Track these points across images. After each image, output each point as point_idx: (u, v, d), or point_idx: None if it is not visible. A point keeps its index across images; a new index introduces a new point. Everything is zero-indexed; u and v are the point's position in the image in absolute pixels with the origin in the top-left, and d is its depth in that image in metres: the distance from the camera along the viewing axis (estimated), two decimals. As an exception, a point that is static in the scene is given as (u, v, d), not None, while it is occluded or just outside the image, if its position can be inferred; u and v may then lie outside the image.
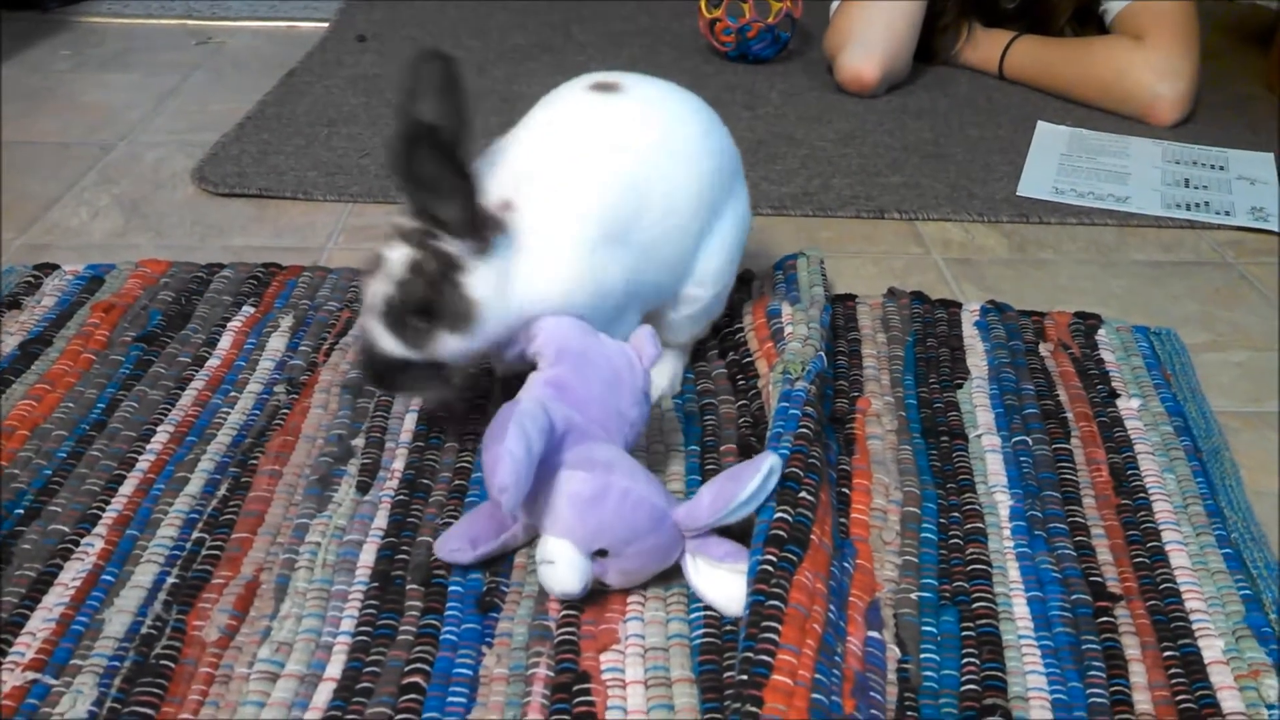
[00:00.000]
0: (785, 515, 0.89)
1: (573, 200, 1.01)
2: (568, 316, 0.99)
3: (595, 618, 0.91)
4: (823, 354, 1.11)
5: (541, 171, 1.02)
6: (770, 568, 0.85)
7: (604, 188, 1.02)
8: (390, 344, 0.97)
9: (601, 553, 0.88)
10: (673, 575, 0.94)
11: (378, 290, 0.96)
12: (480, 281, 0.97)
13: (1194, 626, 0.91)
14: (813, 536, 0.89)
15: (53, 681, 0.86)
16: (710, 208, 1.10)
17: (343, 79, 2.06)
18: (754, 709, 0.76)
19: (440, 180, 0.93)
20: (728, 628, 0.90)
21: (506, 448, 0.81)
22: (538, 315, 0.99)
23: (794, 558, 0.87)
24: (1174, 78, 1.89)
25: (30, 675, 0.87)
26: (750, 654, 0.80)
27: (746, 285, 1.35)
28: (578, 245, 1.00)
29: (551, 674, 0.87)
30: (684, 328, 1.16)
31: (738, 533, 0.93)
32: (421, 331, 0.97)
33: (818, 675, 0.79)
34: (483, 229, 0.97)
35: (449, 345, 0.98)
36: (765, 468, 0.88)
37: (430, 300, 0.96)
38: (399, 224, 0.98)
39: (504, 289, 0.98)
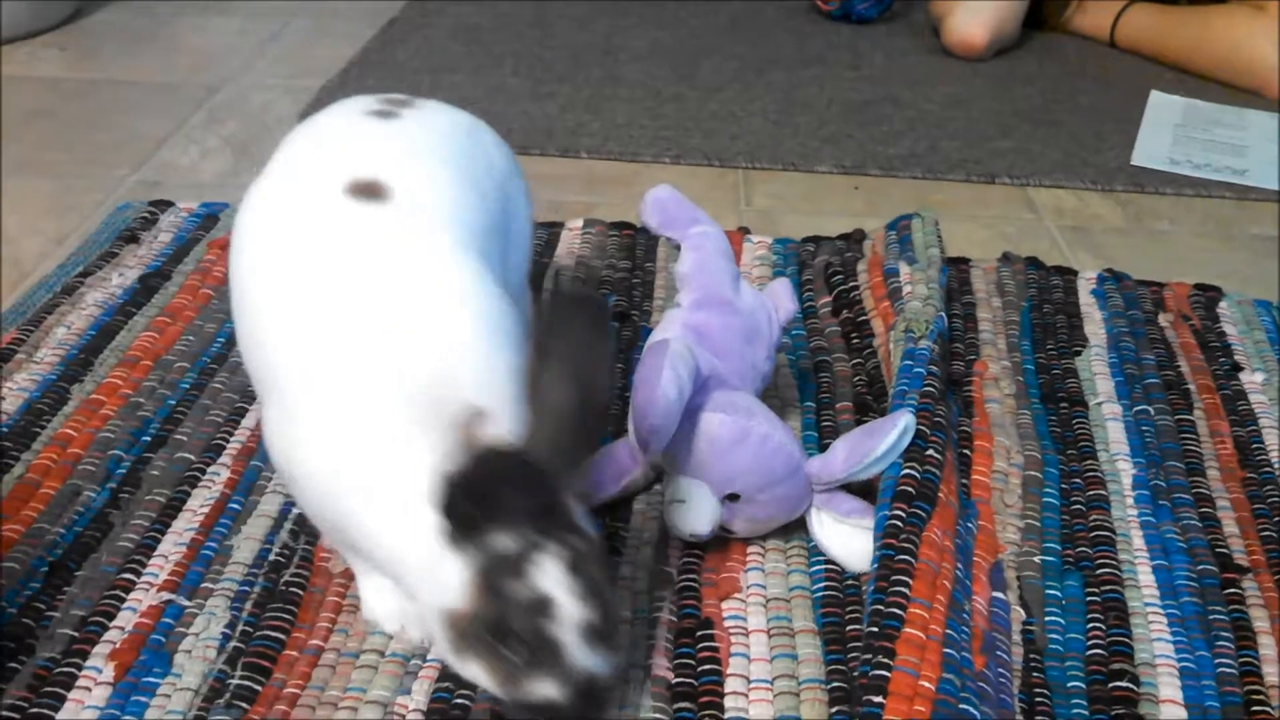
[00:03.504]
0: (913, 472, 0.89)
1: None
2: (721, 259, 0.98)
3: (716, 566, 0.91)
4: (943, 314, 1.09)
5: None
6: (899, 523, 0.85)
7: None
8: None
9: (733, 497, 0.88)
10: (792, 529, 0.94)
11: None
12: None
13: (1326, 603, 0.90)
14: (940, 494, 0.88)
15: (186, 603, 0.88)
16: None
17: (444, 29, 2.07)
18: (886, 660, 0.76)
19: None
20: (849, 583, 0.90)
21: (661, 391, 0.82)
22: None
23: (922, 514, 0.86)
24: (1296, 49, 1.84)
25: (165, 596, 0.89)
26: (881, 607, 0.80)
27: (859, 244, 1.33)
28: None
29: (674, 619, 0.87)
30: None
31: (861, 491, 0.93)
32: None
33: (949, 631, 0.79)
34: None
35: None
36: (901, 425, 0.87)
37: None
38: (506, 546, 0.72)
39: None
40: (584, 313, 0.74)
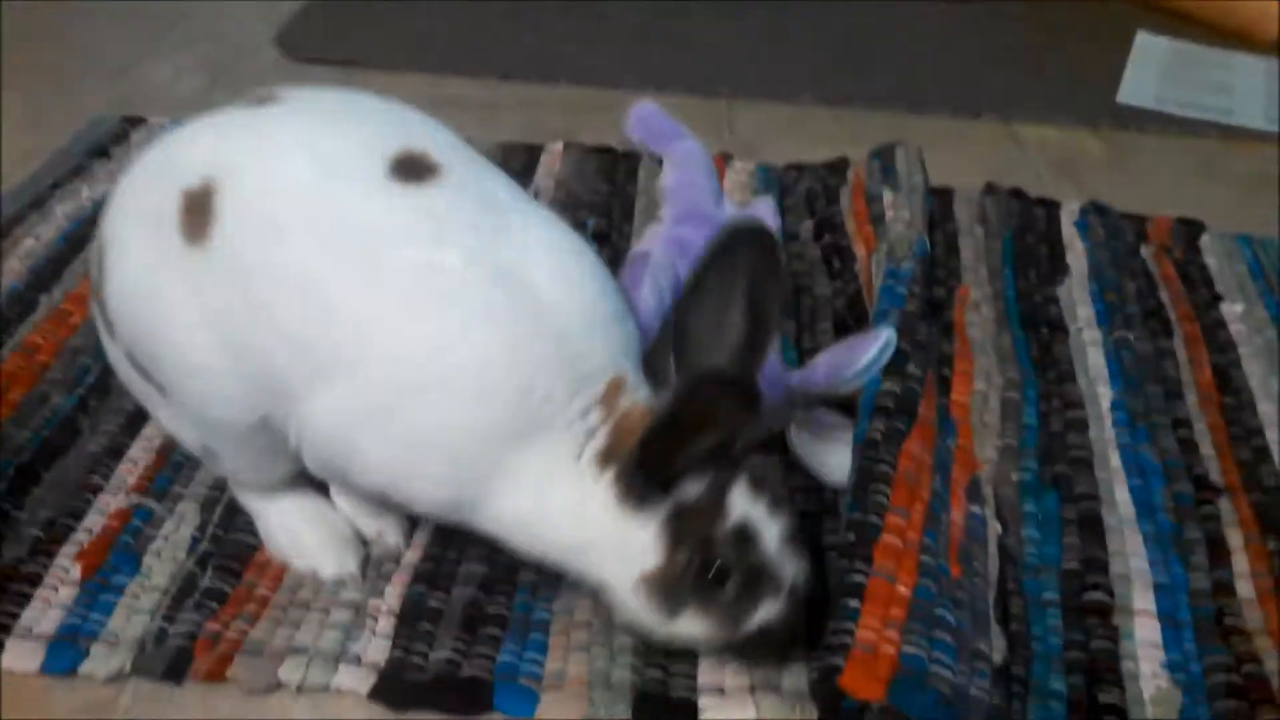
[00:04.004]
0: (893, 387, 0.88)
1: None
2: (703, 175, 0.97)
3: (693, 478, 0.91)
4: (925, 237, 1.09)
5: None
6: (879, 435, 0.84)
7: None
8: None
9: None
10: (772, 444, 0.93)
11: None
12: None
13: (1300, 523, 0.90)
14: (920, 409, 0.88)
15: (155, 506, 0.87)
16: None
17: (425, -45, 2.02)
18: (864, 565, 0.76)
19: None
20: (828, 496, 0.90)
21: (642, 298, 0.81)
22: None
23: (902, 428, 0.86)
24: (1282, -7, 1.82)
25: (134, 499, 0.88)
26: (858, 515, 0.79)
27: (841, 172, 1.32)
28: None
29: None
30: None
31: (841, 408, 0.92)
32: None
33: (926, 539, 0.79)
34: None
35: None
36: (883, 339, 0.87)
37: None
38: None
39: None
40: (755, 242, 0.72)
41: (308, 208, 0.71)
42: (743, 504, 0.71)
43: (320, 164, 0.72)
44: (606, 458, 0.72)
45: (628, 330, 0.76)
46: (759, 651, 0.75)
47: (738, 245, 0.72)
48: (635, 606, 0.73)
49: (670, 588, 0.71)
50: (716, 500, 0.71)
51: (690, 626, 0.73)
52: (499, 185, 0.76)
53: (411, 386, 0.70)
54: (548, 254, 0.73)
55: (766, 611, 0.72)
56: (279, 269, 0.70)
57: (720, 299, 0.72)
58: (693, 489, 0.71)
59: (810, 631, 0.75)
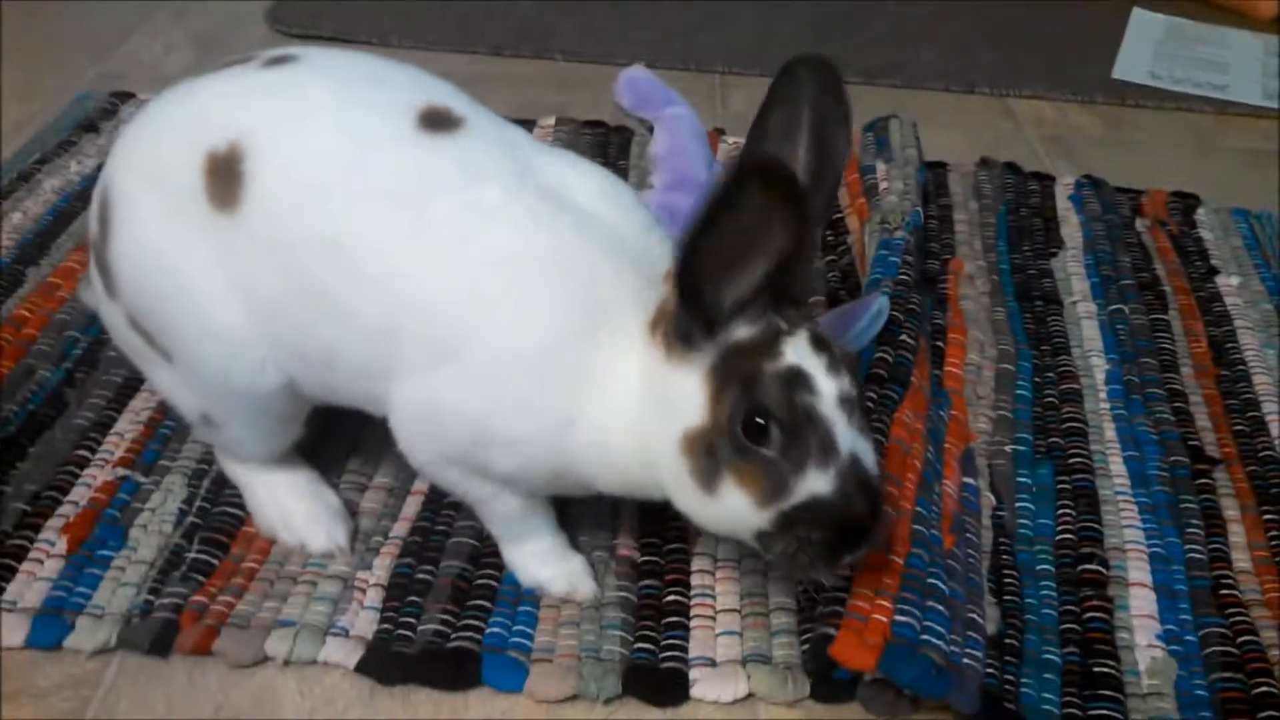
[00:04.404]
0: (885, 355, 0.87)
1: None
2: (694, 141, 0.95)
3: (684, 451, 0.90)
4: (919, 208, 1.08)
5: None
6: (871, 404, 0.84)
7: None
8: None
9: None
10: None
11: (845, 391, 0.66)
12: None
13: (1296, 493, 0.89)
14: (913, 378, 0.87)
15: (143, 479, 0.86)
16: None
17: (417, -69, 2.01)
18: (856, 535, 0.75)
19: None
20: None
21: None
22: None
23: (895, 396, 0.85)
24: (1278, -31, 1.81)
25: (121, 472, 0.87)
26: (850, 484, 0.78)
27: (836, 146, 1.31)
28: None
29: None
30: None
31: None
32: None
33: (918, 508, 0.78)
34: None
35: None
36: (875, 307, 0.86)
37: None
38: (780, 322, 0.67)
39: None
40: (818, 67, 0.69)
41: (345, 171, 0.69)
42: (799, 353, 0.64)
43: (350, 125, 0.70)
44: (657, 324, 0.68)
45: (664, 234, 0.73)
46: (807, 545, 0.64)
47: (799, 70, 0.68)
48: (679, 477, 0.66)
49: (711, 444, 0.65)
50: (769, 342, 0.64)
51: (733, 500, 0.65)
52: (518, 133, 0.75)
53: (480, 313, 0.68)
54: (581, 177, 0.72)
55: (816, 482, 0.63)
56: (325, 237, 0.68)
57: (784, 130, 0.68)
58: (744, 331, 0.65)
59: (867, 539, 0.65)
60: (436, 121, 0.71)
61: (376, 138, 0.70)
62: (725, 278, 0.63)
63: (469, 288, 0.68)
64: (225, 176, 0.69)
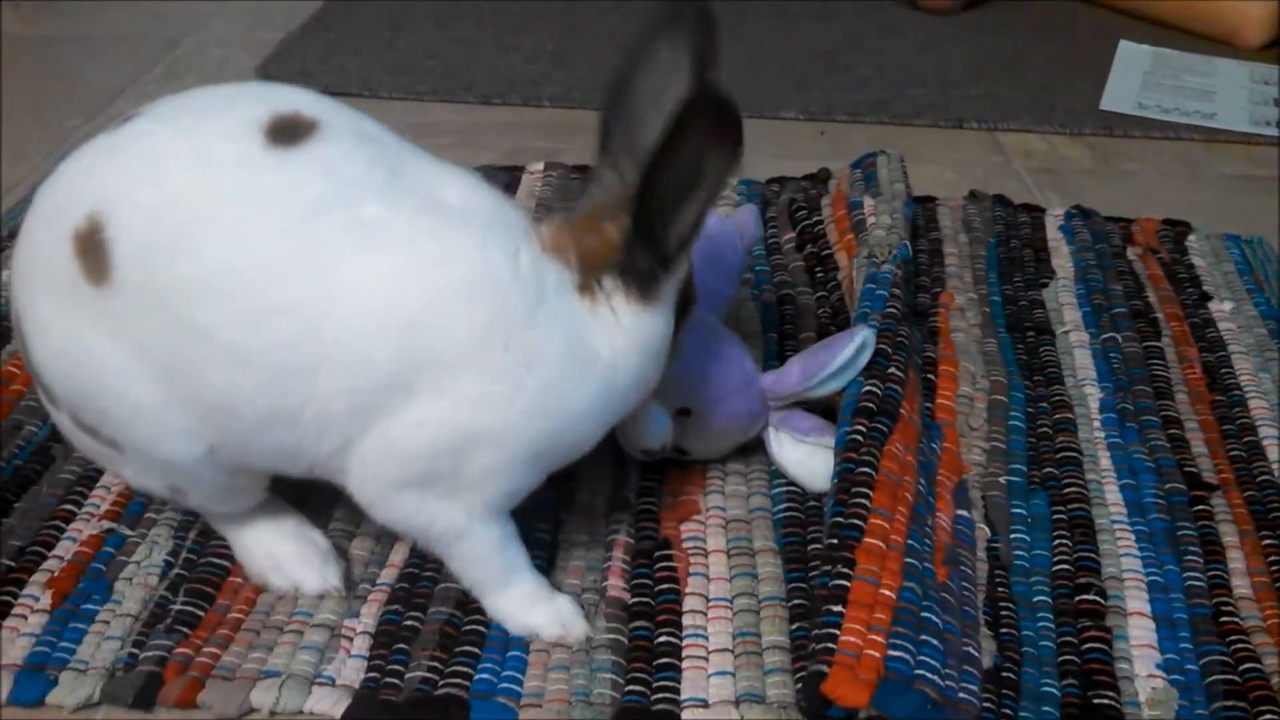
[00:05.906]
0: (874, 388, 0.87)
1: None
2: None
3: (675, 490, 0.89)
4: (907, 242, 1.07)
5: None
6: (860, 437, 0.83)
7: None
8: None
9: (685, 412, 0.86)
10: (753, 451, 0.92)
11: None
12: None
13: (1295, 518, 0.88)
14: (902, 410, 0.86)
15: (128, 532, 0.86)
16: None
17: (407, -15, 2.03)
18: (846, 569, 0.74)
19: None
20: (811, 504, 0.88)
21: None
22: None
23: (884, 429, 0.84)
24: (1262, -4, 1.82)
25: (106, 525, 0.86)
26: (840, 519, 0.78)
27: (824, 183, 1.31)
28: None
29: (632, 541, 0.85)
30: None
31: (821, 411, 0.91)
32: None
33: (910, 541, 0.77)
34: None
35: None
36: (859, 339, 0.85)
37: None
38: None
39: None
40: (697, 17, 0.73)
41: (203, 207, 0.67)
42: None
43: (198, 158, 0.68)
44: (589, 273, 0.72)
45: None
46: None
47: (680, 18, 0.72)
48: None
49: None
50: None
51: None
52: (374, 125, 0.73)
53: (419, 330, 0.68)
54: (444, 176, 0.72)
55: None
56: (197, 278, 0.66)
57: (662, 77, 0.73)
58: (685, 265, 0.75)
59: None
60: (285, 132, 0.69)
61: (228, 165, 0.68)
62: (673, 214, 0.70)
63: (379, 313, 0.67)
64: (92, 250, 0.68)
